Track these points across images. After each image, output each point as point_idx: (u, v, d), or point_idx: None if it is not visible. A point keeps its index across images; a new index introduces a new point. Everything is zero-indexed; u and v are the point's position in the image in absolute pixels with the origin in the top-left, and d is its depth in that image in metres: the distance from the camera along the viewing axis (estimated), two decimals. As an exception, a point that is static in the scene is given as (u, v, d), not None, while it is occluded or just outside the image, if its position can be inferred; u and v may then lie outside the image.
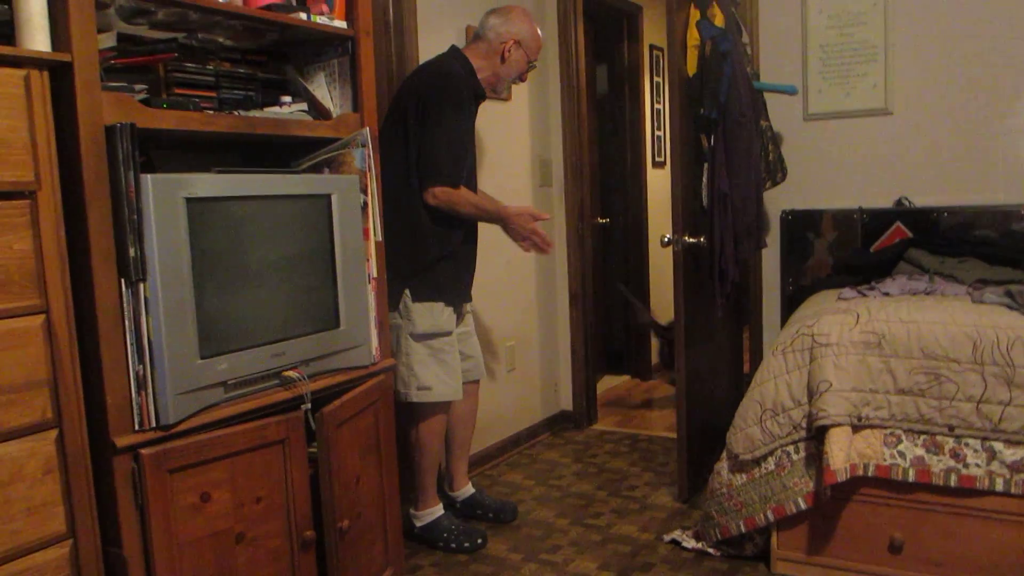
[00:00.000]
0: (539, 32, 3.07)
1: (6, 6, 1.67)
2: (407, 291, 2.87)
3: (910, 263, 3.28)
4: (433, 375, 2.92)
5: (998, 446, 2.41)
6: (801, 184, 3.80)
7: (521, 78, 3.10)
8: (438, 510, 3.08)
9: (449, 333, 2.95)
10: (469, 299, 3.14)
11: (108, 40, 1.94)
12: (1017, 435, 2.38)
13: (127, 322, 1.81)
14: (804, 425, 2.61)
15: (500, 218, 2.94)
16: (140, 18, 2.06)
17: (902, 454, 2.50)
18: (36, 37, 1.67)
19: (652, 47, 5.49)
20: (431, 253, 2.89)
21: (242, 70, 2.32)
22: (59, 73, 1.71)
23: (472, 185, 3.03)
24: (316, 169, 2.43)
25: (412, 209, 2.85)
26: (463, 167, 2.88)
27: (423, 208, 2.85)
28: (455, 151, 2.83)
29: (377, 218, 2.49)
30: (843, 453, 2.48)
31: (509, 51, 2.98)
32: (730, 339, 3.90)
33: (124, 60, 1.99)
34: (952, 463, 2.45)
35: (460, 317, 3.08)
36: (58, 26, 1.70)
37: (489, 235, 3.20)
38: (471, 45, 3.06)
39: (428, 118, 2.81)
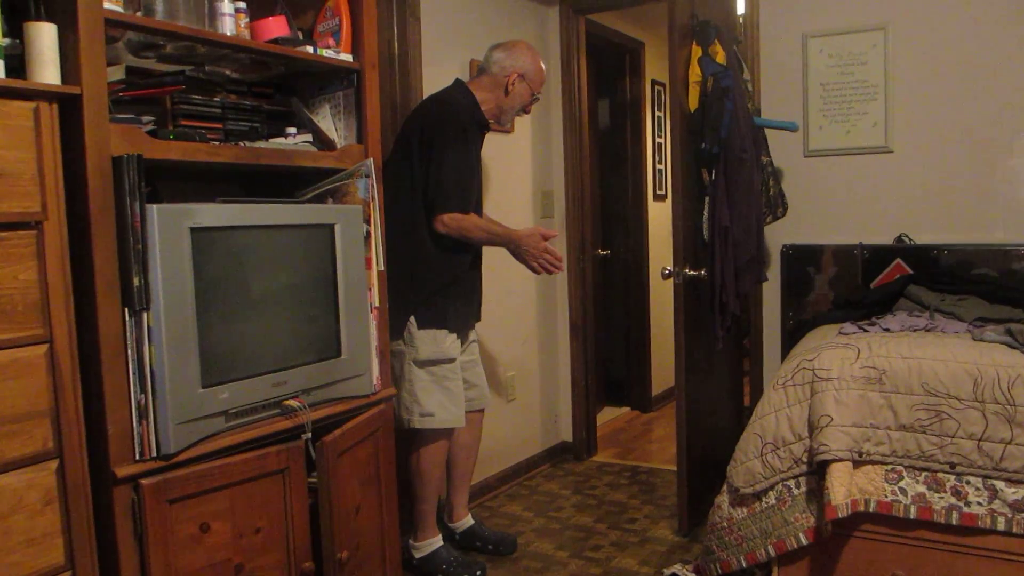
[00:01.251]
0: (543, 65, 3.12)
1: (18, 40, 1.70)
2: (413, 318, 2.88)
3: (910, 300, 3.28)
4: (436, 402, 2.92)
5: (1000, 484, 2.40)
6: (802, 219, 3.81)
7: (525, 110, 3.14)
8: (437, 541, 3.06)
9: (452, 360, 2.96)
10: (473, 326, 3.15)
11: (117, 73, 1.97)
12: (1018, 474, 2.37)
13: (130, 351, 1.81)
14: (805, 459, 2.60)
15: (510, 241, 2.95)
16: (149, 51, 2.09)
17: (903, 490, 2.49)
18: (46, 70, 1.69)
19: (654, 82, 5.53)
20: (437, 281, 2.91)
21: (248, 102, 2.34)
22: (68, 105, 1.73)
23: (479, 212, 3.06)
24: (320, 199, 2.45)
25: (418, 238, 2.87)
26: (471, 194, 2.91)
27: (429, 237, 2.88)
28: (462, 179, 2.87)
29: (380, 248, 2.51)
30: (844, 488, 2.47)
31: (513, 84, 3.02)
32: (730, 372, 3.90)
33: (132, 92, 2.02)
34: (954, 501, 2.44)
35: (464, 343, 3.09)
36: (68, 59, 1.73)
37: (490, 264, 3.21)
38: (476, 79, 3.10)
39: (434, 149, 2.85)
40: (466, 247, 2.96)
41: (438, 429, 2.96)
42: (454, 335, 2.97)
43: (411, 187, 2.87)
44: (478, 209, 3.06)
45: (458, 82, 3.08)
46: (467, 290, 3.04)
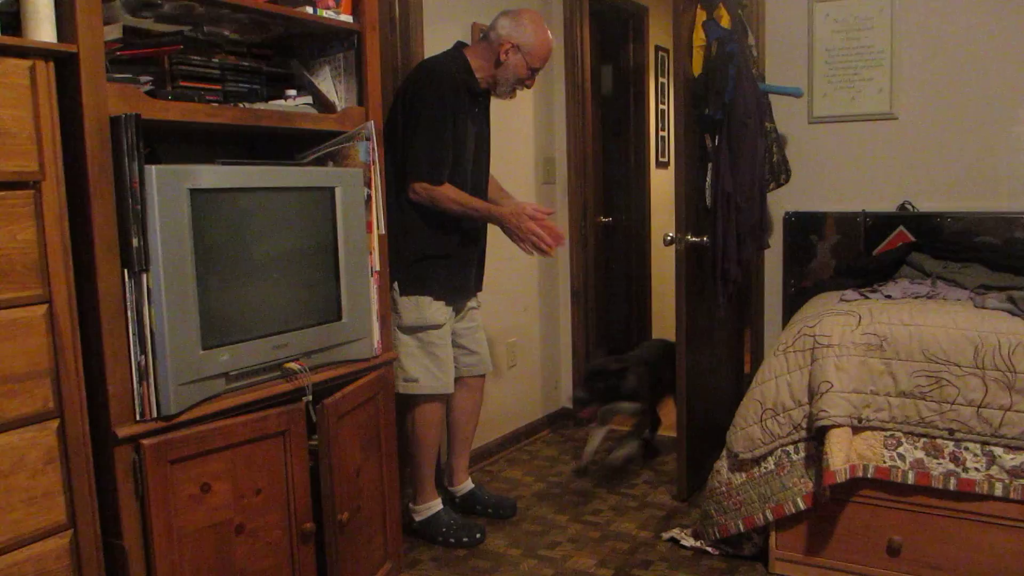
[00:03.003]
0: (548, 39, 2.98)
1: (13, -4, 1.68)
2: (395, 284, 2.87)
3: (912, 267, 3.28)
4: (421, 367, 2.92)
5: (998, 451, 2.41)
6: (805, 186, 3.79)
7: (525, 84, 3.02)
8: (437, 504, 3.09)
9: (438, 326, 2.94)
10: (468, 297, 3.13)
11: (114, 32, 1.94)
12: (1017, 440, 2.38)
13: (129, 312, 1.81)
14: (804, 425, 2.61)
15: (491, 218, 2.89)
16: (146, 11, 2.06)
17: (902, 456, 2.50)
18: (42, 28, 1.67)
19: (658, 47, 5.48)
20: (418, 249, 2.87)
21: (247, 63, 2.32)
22: (65, 64, 1.71)
23: (480, 182, 3.03)
24: (320, 162, 2.44)
25: (399, 205, 2.85)
26: (445, 164, 2.83)
27: (408, 204, 2.85)
28: (435, 147, 2.80)
29: (381, 211, 2.50)
30: (843, 454, 2.48)
31: (506, 54, 2.91)
32: (731, 339, 3.90)
33: (130, 52, 2.00)
34: (952, 467, 2.45)
35: (460, 311, 3.08)
36: (64, 17, 1.71)
37: (490, 233, 3.20)
38: (476, 43, 3.05)
39: (411, 115, 2.81)
40: (457, 220, 2.91)
41: (429, 395, 2.96)
42: (440, 302, 2.95)
43: (394, 153, 2.84)
44: (482, 178, 3.02)
45: (457, 45, 3.03)
46: (460, 263, 2.99)
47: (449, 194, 2.84)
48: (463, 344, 3.11)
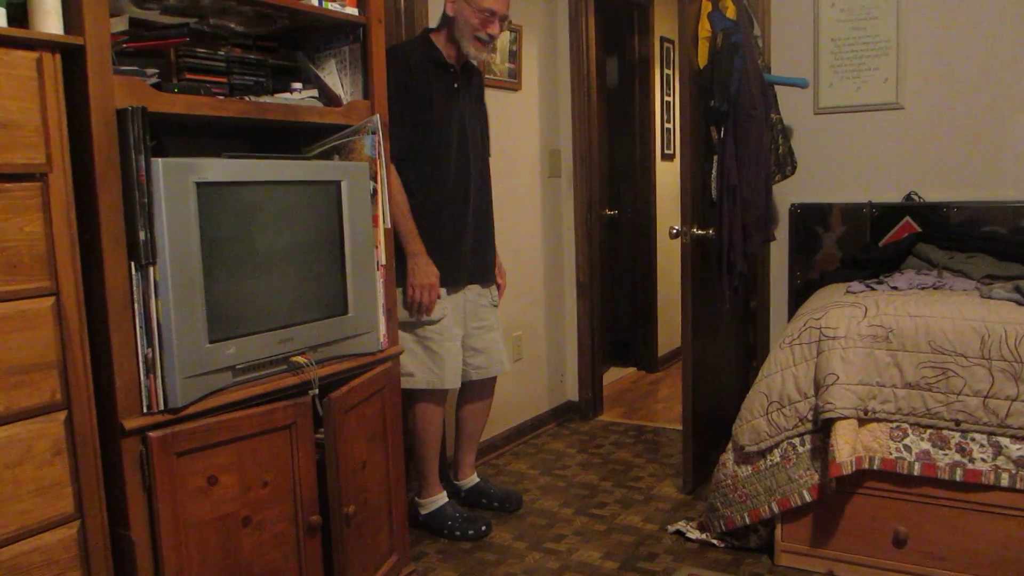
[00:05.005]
0: None
1: (20, -12, 1.68)
2: None
3: (919, 258, 3.27)
4: (418, 362, 2.91)
5: (1004, 441, 2.41)
6: (810, 178, 3.79)
7: (486, 33, 2.88)
8: (442, 498, 3.09)
9: (436, 321, 2.92)
10: (465, 282, 3.05)
11: (120, 24, 1.95)
12: (1023, 430, 2.37)
13: (136, 305, 1.82)
14: (810, 418, 2.61)
15: (408, 251, 2.82)
16: (152, 3, 2.07)
17: (908, 448, 2.50)
18: (49, 20, 1.67)
19: (663, 39, 5.47)
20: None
21: (253, 56, 2.32)
22: (71, 56, 1.71)
23: (478, 166, 2.99)
24: (326, 156, 2.44)
25: None
26: (396, 139, 2.73)
27: None
28: (393, 126, 2.70)
29: (386, 205, 2.50)
30: (849, 446, 2.48)
31: (453, 8, 2.86)
32: (737, 331, 3.90)
33: (136, 44, 2.00)
34: (958, 457, 2.45)
35: (472, 308, 3.06)
36: (71, 9, 1.71)
37: (497, 224, 3.20)
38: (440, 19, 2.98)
39: None
40: (435, 202, 2.86)
41: (428, 390, 2.96)
42: (441, 291, 2.92)
43: None
44: (477, 161, 2.98)
45: (424, 30, 3.00)
46: (450, 249, 2.94)
47: (397, 193, 2.77)
48: (472, 345, 3.08)
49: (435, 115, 2.88)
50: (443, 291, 2.94)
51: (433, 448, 3.06)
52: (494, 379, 3.24)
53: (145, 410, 1.84)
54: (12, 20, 1.64)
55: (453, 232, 2.97)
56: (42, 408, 1.67)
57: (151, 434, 1.82)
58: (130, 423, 1.80)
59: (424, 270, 2.85)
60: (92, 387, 1.76)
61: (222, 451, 1.96)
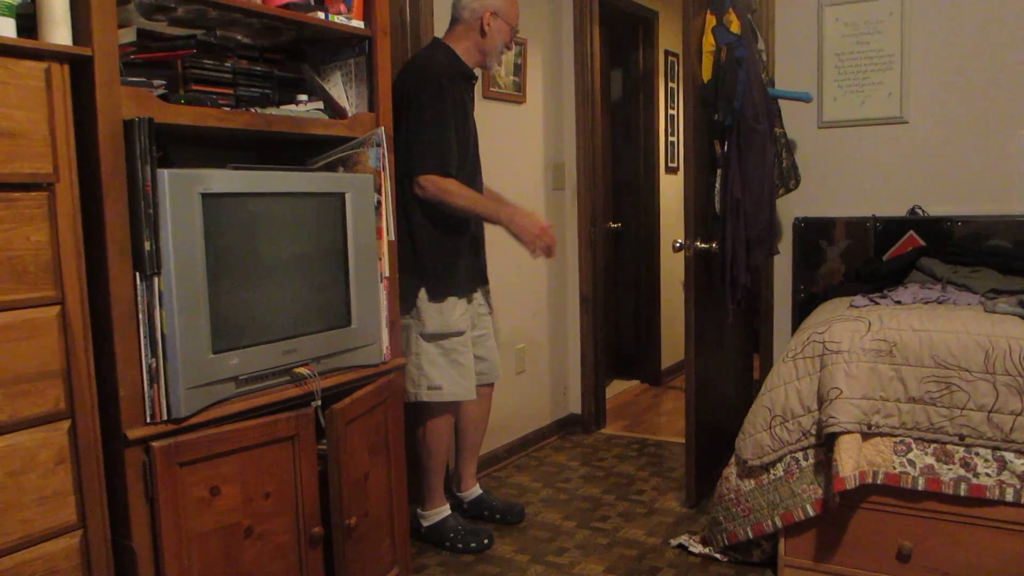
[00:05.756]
0: None
1: (29, 0, 1.69)
2: (422, 291, 2.87)
3: (923, 272, 3.27)
4: (444, 375, 2.92)
5: (1009, 456, 2.40)
6: (814, 191, 3.79)
7: (507, 47, 3.04)
8: (445, 510, 3.09)
9: (460, 333, 2.95)
10: (482, 285, 3.10)
11: (128, 35, 1.96)
12: (1028, 446, 2.37)
13: (141, 315, 1.82)
14: (814, 432, 2.60)
15: (501, 219, 2.87)
16: (160, 14, 2.08)
17: (912, 462, 2.49)
18: (58, 31, 1.69)
19: (667, 52, 5.49)
20: (437, 252, 2.88)
21: (259, 68, 2.33)
22: (79, 67, 1.73)
23: (476, 179, 3.01)
24: (331, 168, 2.44)
25: (409, 213, 2.85)
26: (451, 156, 2.82)
27: (417, 207, 2.84)
28: (441, 139, 2.79)
29: (391, 217, 2.50)
30: (852, 460, 2.47)
31: (488, 23, 2.93)
32: (740, 345, 3.89)
33: (143, 55, 2.01)
34: (962, 472, 2.44)
35: (471, 306, 3.07)
36: (79, 20, 1.72)
37: (498, 238, 3.20)
38: (450, 32, 3.02)
39: (410, 113, 2.80)
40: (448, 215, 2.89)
41: (444, 403, 2.96)
42: (463, 302, 2.95)
43: (396, 161, 2.82)
44: (475, 178, 3.00)
45: (434, 40, 3.04)
46: (470, 254, 2.99)
47: (461, 189, 2.83)
48: (476, 353, 3.09)
49: (469, 127, 2.94)
50: (463, 302, 2.96)
51: (442, 460, 3.06)
52: (492, 387, 3.25)
53: (148, 420, 1.84)
54: (21, 31, 1.65)
55: (471, 239, 3.01)
56: (46, 417, 1.68)
57: (154, 444, 1.83)
58: (133, 433, 1.81)
59: (528, 217, 2.87)
60: (96, 396, 1.76)
61: (225, 462, 1.96)
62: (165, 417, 1.86)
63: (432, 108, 2.79)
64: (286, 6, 2.24)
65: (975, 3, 3.46)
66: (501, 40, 2.98)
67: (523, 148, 4.05)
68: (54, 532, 1.70)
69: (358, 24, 2.44)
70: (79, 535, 1.74)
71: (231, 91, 2.20)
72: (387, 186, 2.47)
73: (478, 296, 3.10)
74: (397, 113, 2.84)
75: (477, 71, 3.05)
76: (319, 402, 2.17)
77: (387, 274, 2.51)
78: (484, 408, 3.24)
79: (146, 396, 1.84)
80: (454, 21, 3.01)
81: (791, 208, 3.82)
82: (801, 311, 3.70)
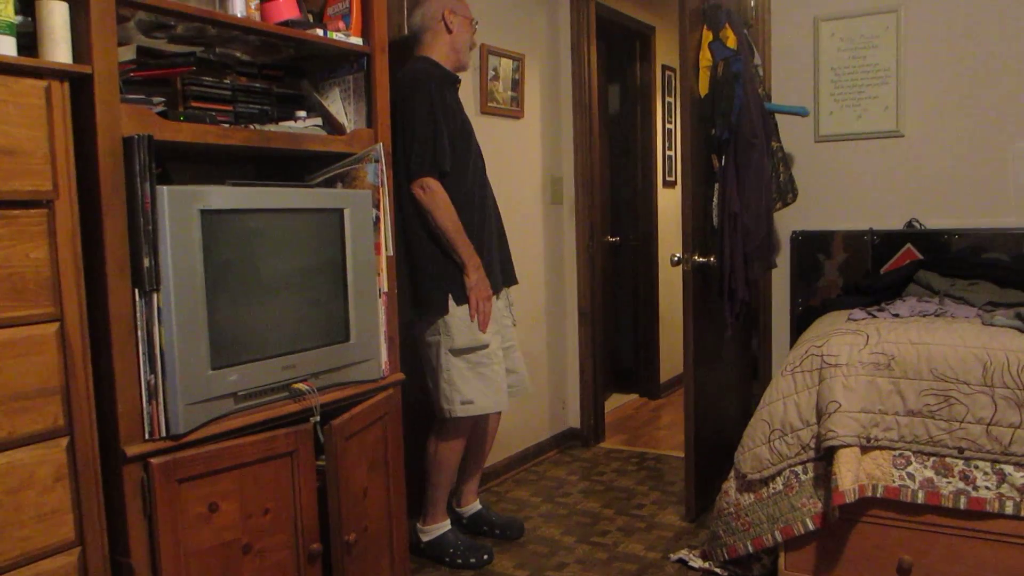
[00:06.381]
0: None
1: (30, 18, 1.70)
2: (449, 297, 2.87)
3: (920, 285, 3.27)
4: (475, 388, 2.92)
5: (1008, 469, 2.40)
6: (812, 205, 3.80)
7: (472, 41, 3.09)
8: (445, 525, 3.08)
9: (486, 345, 2.94)
10: (502, 286, 3.10)
11: (128, 53, 1.97)
12: (1027, 459, 2.37)
13: (140, 332, 1.82)
14: (813, 445, 2.60)
15: (472, 265, 2.87)
16: (159, 32, 2.09)
17: (911, 476, 2.49)
18: (58, 49, 1.69)
19: (664, 67, 5.51)
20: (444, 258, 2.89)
21: (258, 84, 2.34)
22: (79, 84, 1.73)
23: (484, 191, 3.02)
24: (329, 183, 2.45)
25: (425, 218, 2.86)
26: (443, 154, 2.83)
27: (416, 214, 2.86)
28: (431, 139, 2.80)
29: (389, 233, 2.51)
30: (852, 474, 2.47)
31: (450, 21, 2.98)
32: (739, 358, 3.90)
33: (143, 73, 2.02)
34: (962, 485, 2.44)
35: (500, 327, 3.06)
36: (79, 38, 1.73)
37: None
38: (420, 45, 3.04)
39: (404, 122, 2.81)
40: (469, 216, 2.90)
41: (465, 419, 2.96)
42: (492, 301, 2.96)
43: (398, 172, 2.84)
44: (478, 188, 3.00)
45: (413, 56, 3.05)
46: (484, 256, 2.97)
47: (449, 207, 2.83)
48: (505, 366, 3.09)
49: (459, 129, 2.95)
50: (492, 300, 2.97)
51: (451, 476, 3.07)
52: None
53: (147, 436, 1.84)
54: (22, 49, 1.66)
55: (485, 245, 3.00)
56: (45, 434, 1.68)
57: (153, 460, 1.83)
58: (132, 449, 1.80)
59: (486, 283, 2.92)
60: (94, 413, 1.76)
61: (223, 478, 1.95)
62: (164, 433, 1.86)
63: (422, 111, 2.81)
64: (285, 23, 2.26)
65: (970, 17, 3.48)
66: (468, 33, 3.05)
67: (521, 162, 4.07)
68: (52, 550, 1.69)
69: (356, 41, 2.45)
70: (77, 552, 1.73)
71: (230, 108, 2.21)
72: (385, 201, 2.48)
73: (502, 304, 3.10)
74: (392, 127, 2.87)
75: (462, 75, 3.10)
76: (318, 418, 2.17)
77: (386, 289, 2.51)
78: (494, 424, 3.24)
79: (145, 412, 1.84)
80: (420, 35, 3.03)
81: (789, 222, 3.83)
82: (799, 324, 3.71)
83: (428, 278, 2.84)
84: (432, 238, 2.87)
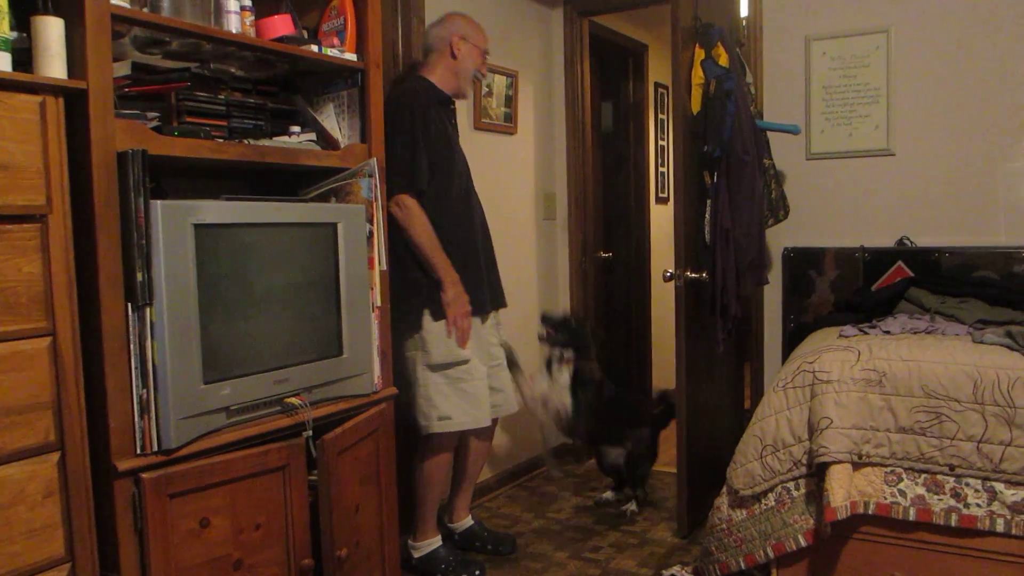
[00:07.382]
0: (478, 22, 3.11)
1: (25, 34, 1.71)
2: (426, 312, 2.87)
3: (911, 302, 3.29)
4: (453, 404, 2.91)
5: (999, 486, 2.40)
6: (803, 222, 3.82)
7: (481, 72, 3.12)
8: (436, 541, 3.07)
9: (466, 361, 2.94)
10: (492, 310, 3.11)
11: (123, 68, 1.98)
12: (1018, 476, 2.37)
13: (132, 346, 1.82)
14: (805, 461, 2.60)
15: (444, 279, 2.86)
16: (155, 48, 2.10)
17: (903, 493, 2.49)
18: (53, 64, 1.70)
19: (657, 84, 5.54)
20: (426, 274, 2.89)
21: (252, 100, 2.35)
22: (74, 99, 1.74)
23: (467, 207, 3.02)
24: (323, 198, 2.46)
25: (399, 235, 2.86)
26: (419, 170, 2.84)
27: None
28: (408, 159, 2.81)
29: (383, 247, 2.51)
30: (843, 490, 2.47)
31: (457, 47, 3.01)
32: (731, 374, 3.90)
33: (138, 88, 2.03)
34: (953, 503, 2.44)
35: (486, 347, 3.06)
36: (74, 54, 1.74)
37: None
38: (424, 63, 3.08)
39: (390, 142, 2.80)
40: (454, 236, 2.91)
41: (446, 434, 2.95)
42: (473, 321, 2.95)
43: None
44: (468, 204, 3.02)
45: (411, 74, 3.08)
46: (473, 274, 2.98)
47: (426, 223, 2.84)
48: (491, 384, 3.08)
49: (451, 151, 2.96)
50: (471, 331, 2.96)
51: (440, 492, 3.06)
52: (496, 421, 3.24)
53: (139, 451, 1.84)
54: (17, 64, 1.67)
55: (472, 264, 3.00)
56: (36, 449, 1.67)
57: (144, 475, 1.82)
58: (123, 464, 1.80)
59: (464, 299, 2.90)
60: (86, 428, 1.76)
61: (215, 493, 1.95)
62: (155, 448, 1.86)
63: (402, 133, 2.82)
64: (280, 39, 2.27)
65: (960, 38, 3.51)
66: (472, 62, 3.06)
67: (514, 179, 4.08)
68: (42, 566, 1.68)
69: (351, 57, 2.46)
70: (67, 569, 1.72)
71: (224, 123, 2.22)
72: (379, 216, 2.49)
73: (490, 325, 3.10)
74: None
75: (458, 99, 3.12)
76: (310, 432, 2.17)
77: (379, 304, 2.51)
78: (488, 441, 3.23)
79: (136, 427, 1.83)
80: (427, 52, 3.09)
81: (780, 238, 3.85)
82: (791, 341, 3.71)
83: (405, 293, 2.83)
84: (410, 254, 2.87)
